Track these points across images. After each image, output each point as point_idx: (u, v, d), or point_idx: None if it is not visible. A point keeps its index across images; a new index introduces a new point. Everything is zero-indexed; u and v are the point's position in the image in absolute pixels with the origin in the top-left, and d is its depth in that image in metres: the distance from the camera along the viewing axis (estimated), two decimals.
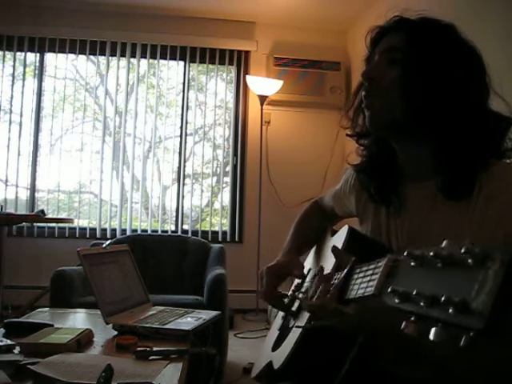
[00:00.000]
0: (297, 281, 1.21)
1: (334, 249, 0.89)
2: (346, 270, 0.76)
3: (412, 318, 0.49)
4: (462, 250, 0.44)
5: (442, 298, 0.44)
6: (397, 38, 0.92)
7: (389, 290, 0.54)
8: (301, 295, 1.06)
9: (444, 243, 0.50)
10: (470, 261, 0.43)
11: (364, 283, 0.67)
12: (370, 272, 0.67)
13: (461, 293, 0.43)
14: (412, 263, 0.52)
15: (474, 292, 0.42)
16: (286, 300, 1.16)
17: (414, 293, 0.48)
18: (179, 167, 4.50)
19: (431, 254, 0.49)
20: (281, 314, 1.27)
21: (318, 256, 1.22)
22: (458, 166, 0.87)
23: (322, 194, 1.35)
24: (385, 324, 0.70)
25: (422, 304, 0.47)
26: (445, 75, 0.86)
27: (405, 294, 0.51)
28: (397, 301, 0.52)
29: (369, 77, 0.93)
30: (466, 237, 0.82)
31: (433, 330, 0.45)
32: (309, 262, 1.26)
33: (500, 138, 0.89)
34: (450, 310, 0.43)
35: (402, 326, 0.50)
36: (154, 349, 1.12)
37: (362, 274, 0.71)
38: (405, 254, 0.54)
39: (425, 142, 0.91)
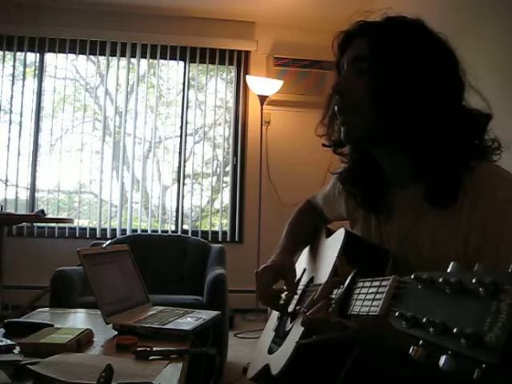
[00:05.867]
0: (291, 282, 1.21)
1: (339, 260, 0.85)
2: (346, 283, 0.74)
3: (420, 343, 0.49)
4: (474, 280, 0.44)
5: (455, 329, 0.44)
6: (362, 47, 0.90)
7: (396, 313, 0.53)
8: (299, 307, 1.05)
9: (451, 266, 0.49)
10: (481, 290, 0.43)
11: (368, 301, 0.66)
12: (374, 290, 0.66)
13: (473, 324, 0.43)
14: (419, 287, 0.52)
15: (487, 325, 0.41)
16: (281, 301, 1.16)
17: (424, 320, 0.48)
18: (179, 167, 4.50)
19: (440, 279, 0.48)
20: (275, 313, 1.27)
21: (313, 257, 1.21)
22: (437, 170, 0.85)
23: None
24: (387, 341, 0.69)
25: (431, 331, 0.47)
26: (413, 78, 0.83)
27: (413, 318, 0.50)
28: (404, 325, 0.51)
29: (339, 91, 0.91)
30: (454, 242, 0.82)
31: (443, 358, 0.45)
32: (303, 261, 1.26)
33: (478, 136, 0.87)
34: (462, 341, 0.43)
35: (410, 350, 0.49)
36: (154, 349, 1.12)
37: (364, 290, 0.69)
38: (412, 277, 0.53)
39: (402, 149, 0.90)
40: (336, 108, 0.93)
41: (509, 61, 2.33)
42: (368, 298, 0.67)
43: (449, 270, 0.49)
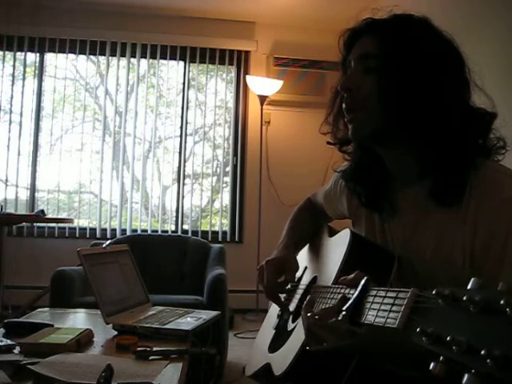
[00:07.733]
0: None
1: (346, 265, 0.84)
2: (359, 290, 0.72)
3: (441, 359, 0.48)
4: (502, 301, 0.44)
5: (482, 351, 0.43)
6: (370, 44, 0.89)
7: (417, 329, 0.52)
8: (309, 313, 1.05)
9: (472, 282, 0.49)
10: (508, 310, 0.43)
11: (383, 311, 0.64)
12: (390, 301, 0.64)
13: (503, 346, 0.42)
14: (440, 302, 0.51)
15: None
16: (282, 298, 1.16)
17: (448, 338, 0.47)
18: (179, 167, 4.50)
19: (464, 297, 0.48)
20: (274, 310, 1.27)
21: (315, 256, 1.21)
22: (443, 168, 0.85)
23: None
24: (397, 349, 0.68)
25: (454, 349, 0.46)
26: (422, 76, 0.84)
27: (435, 335, 0.50)
28: (425, 341, 0.50)
29: (347, 88, 0.91)
30: (460, 241, 0.82)
31: (466, 376, 0.45)
32: (303, 259, 1.25)
33: (484, 135, 0.87)
34: (490, 363, 0.42)
35: (431, 366, 0.49)
36: (154, 349, 1.12)
37: (378, 300, 0.67)
38: (433, 292, 0.53)
39: (408, 147, 0.90)
40: (344, 106, 0.93)
41: (510, 61, 2.33)
42: (383, 309, 0.64)
43: (469, 287, 0.49)
